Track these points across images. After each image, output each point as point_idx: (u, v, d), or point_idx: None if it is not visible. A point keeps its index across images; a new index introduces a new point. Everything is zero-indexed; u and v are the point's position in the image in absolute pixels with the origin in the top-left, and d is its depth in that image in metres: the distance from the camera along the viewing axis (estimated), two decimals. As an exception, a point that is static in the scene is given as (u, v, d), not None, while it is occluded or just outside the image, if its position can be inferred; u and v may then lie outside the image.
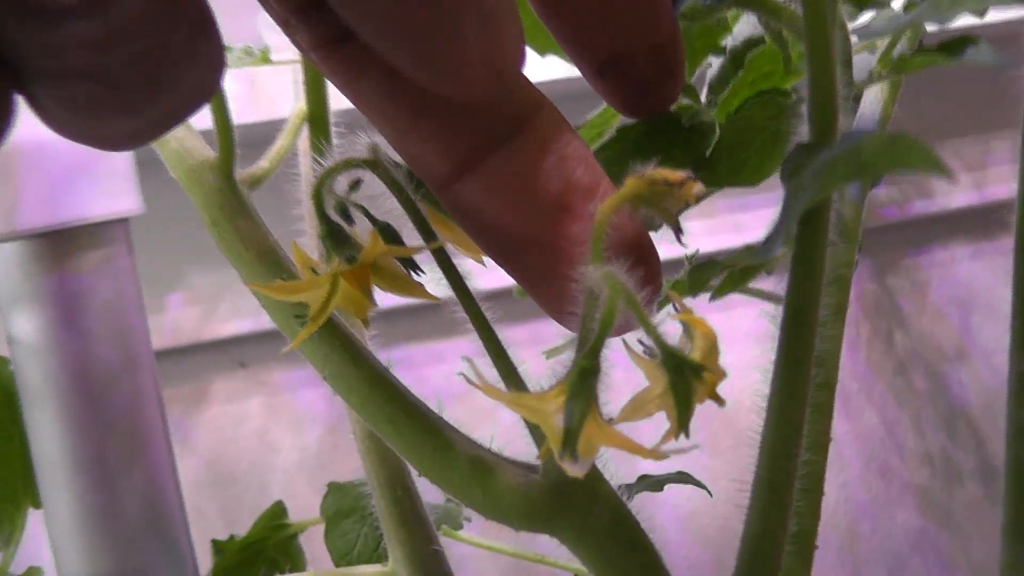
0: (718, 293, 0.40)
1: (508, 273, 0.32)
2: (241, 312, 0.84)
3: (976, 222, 1.07)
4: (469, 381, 0.29)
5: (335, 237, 0.32)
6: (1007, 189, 1.05)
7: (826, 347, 0.41)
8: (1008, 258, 1.02)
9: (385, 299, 0.34)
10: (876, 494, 1.03)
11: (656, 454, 0.27)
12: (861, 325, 1.06)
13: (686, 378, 0.29)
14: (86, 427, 0.52)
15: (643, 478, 0.49)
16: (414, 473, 0.46)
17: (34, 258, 0.51)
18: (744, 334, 0.61)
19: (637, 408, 0.30)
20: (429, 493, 0.47)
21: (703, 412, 0.30)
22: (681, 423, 0.29)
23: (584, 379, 0.27)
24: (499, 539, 0.60)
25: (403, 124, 0.30)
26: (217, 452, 0.85)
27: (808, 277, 0.34)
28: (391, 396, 0.34)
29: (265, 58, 0.45)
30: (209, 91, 0.23)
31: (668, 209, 0.29)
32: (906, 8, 0.42)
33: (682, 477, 0.47)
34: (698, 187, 0.29)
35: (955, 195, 1.06)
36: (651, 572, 0.34)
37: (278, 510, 0.55)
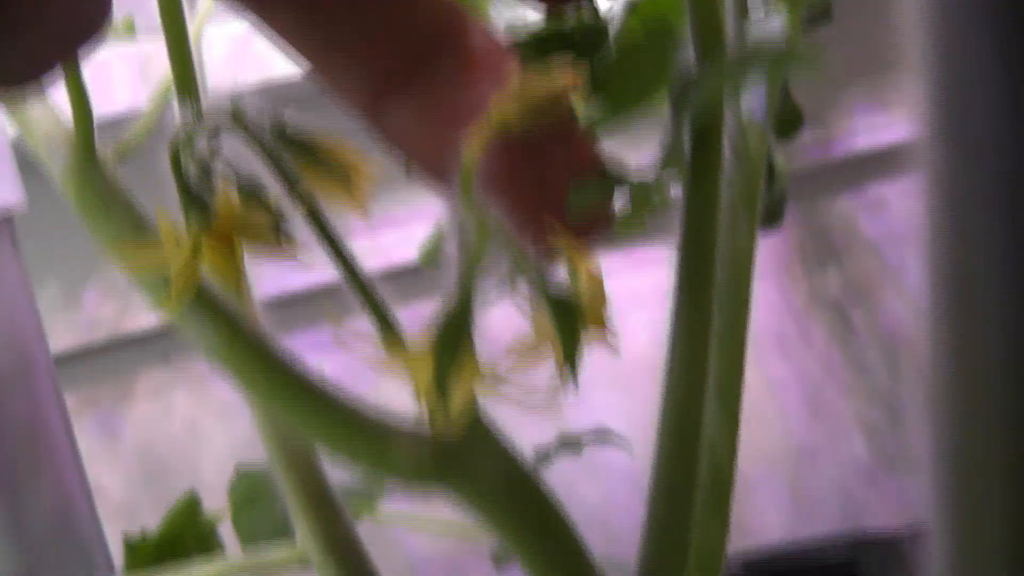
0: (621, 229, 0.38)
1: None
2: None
3: (904, 159, 1.07)
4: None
5: (193, 197, 0.30)
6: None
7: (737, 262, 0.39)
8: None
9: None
10: (822, 435, 1.03)
11: (536, 404, 0.26)
12: (795, 268, 1.06)
13: (572, 322, 0.27)
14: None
15: (562, 439, 0.47)
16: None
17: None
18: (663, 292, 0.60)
19: (522, 359, 0.29)
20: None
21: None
22: (569, 370, 0.27)
23: (453, 329, 0.26)
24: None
25: (319, 49, 0.30)
26: (147, 447, 0.83)
27: (704, 201, 0.33)
28: (262, 358, 0.32)
29: (129, 27, 0.43)
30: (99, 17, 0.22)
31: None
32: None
33: (600, 435, 0.46)
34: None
35: (882, 132, 1.05)
36: (555, 533, 0.32)
37: (191, 502, 0.53)
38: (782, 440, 1.03)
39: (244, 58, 0.75)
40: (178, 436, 0.83)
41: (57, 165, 0.36)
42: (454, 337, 0.25)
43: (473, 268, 0.25)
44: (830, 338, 1.08)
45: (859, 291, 1.08)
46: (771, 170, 0.58)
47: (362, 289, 0.29)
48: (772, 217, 0.60)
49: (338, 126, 0.33)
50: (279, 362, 0.32)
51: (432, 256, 0.45)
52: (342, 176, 0.32)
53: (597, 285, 0.28)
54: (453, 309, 0.26)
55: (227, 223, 0.30)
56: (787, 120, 0.55)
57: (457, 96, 0.30)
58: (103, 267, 0.82)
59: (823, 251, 1.07)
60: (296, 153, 0.32)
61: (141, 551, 0.51)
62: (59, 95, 0.37)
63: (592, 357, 0.28)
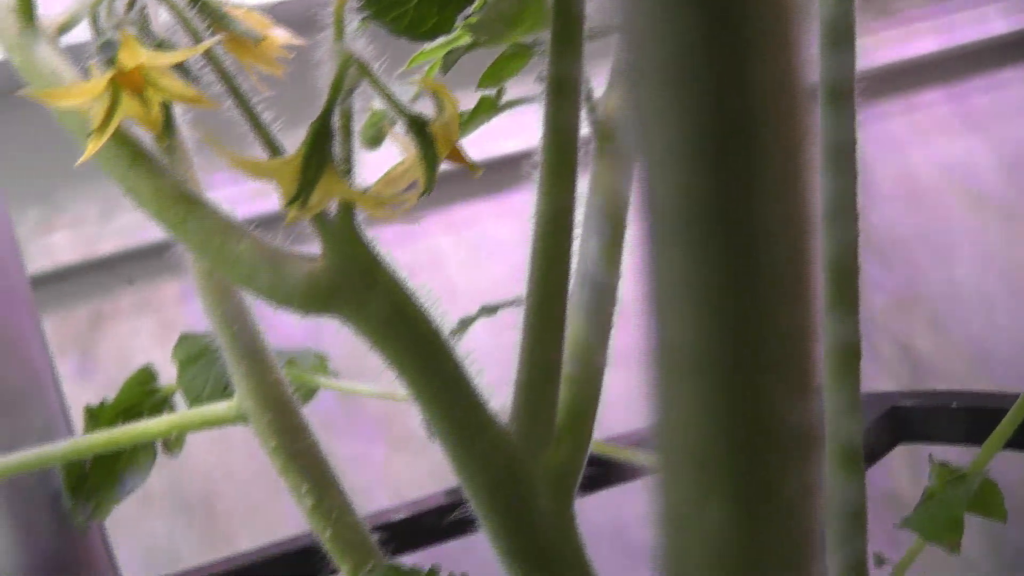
0: (484, 80, 0.42)
1: None
2: (125, 229, 0.86)
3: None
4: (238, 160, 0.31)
5: (107, 47, 0.34)
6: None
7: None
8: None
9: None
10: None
11: (377, 202, 0.30)
12: None
13: (429, 139, 0.31)
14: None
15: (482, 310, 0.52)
16: (254, 312, 0.48)
17: None
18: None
19: (391, 181, 0.33)
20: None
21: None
22: (427, 181, 0.32)
23: (317, 135, 0.30)
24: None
25: None
26: (117, 368, 0.87)
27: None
28: (181, 201, 0.36)
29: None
30: None
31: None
32: None
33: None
34: None
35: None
36: (432, 355, 0.36)
37: (146, 375, 0.57)
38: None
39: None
40: (144, 356, 0.88)
41: (5, 39, 0.40)
42: (318, 144, 0.30)
43: (337, 87, 0.30)
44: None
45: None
46: None
47: (256, 122, 0.34)
48: None
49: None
50: (188, 197, 0.36)
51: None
52: (250, 36, 0.37)
53: (453, 108, 0.32)
54: (319, 124, 0.30)
55: (136, 69, 0.34)
56: None
57: None
58: (69, 195, 0.86)
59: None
60: (207, 12, 0.36)
61: (101, 416, 0.55)
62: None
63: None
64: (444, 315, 0.37)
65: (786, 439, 0.14)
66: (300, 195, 0.29)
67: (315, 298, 0.35)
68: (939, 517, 0.42)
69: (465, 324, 0.50)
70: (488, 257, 0.94)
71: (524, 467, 0.37)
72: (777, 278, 0.14)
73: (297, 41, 0.39)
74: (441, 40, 0.39)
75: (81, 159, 0.36)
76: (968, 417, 0.56)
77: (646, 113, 0.14)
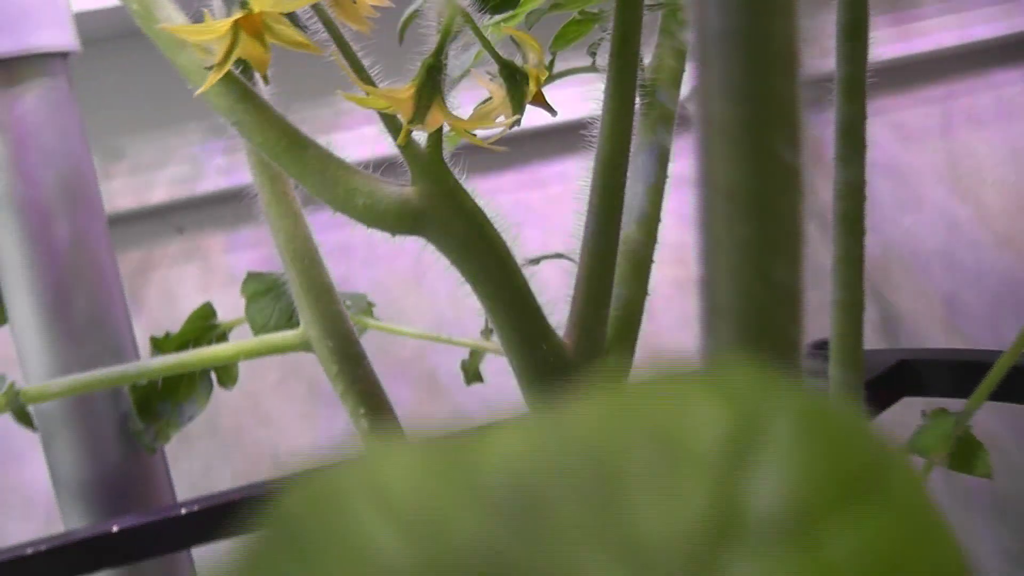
0: (556, 42, 0.47)
1: None
2: (177, 180, 0.91)
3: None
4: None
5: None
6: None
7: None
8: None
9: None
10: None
11: (484, 123, 0.35)
12: None
13: (517, 80, 0.36)
14: (40, 235, 0.59)
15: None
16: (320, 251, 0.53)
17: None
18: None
19: (483, 115, 0.38)
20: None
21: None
22: (517, 107, 0.37)
23: (430, 73, 0.35)
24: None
25: None
26: (162, 310, 0.92)
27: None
28: (286, 133, 0.41)
29: None
30: None
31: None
32: None
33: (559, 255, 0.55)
34: None
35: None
36: (505, 272, 0.41)
37: (207, 311, 0.62)
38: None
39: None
40: (189, 300, 0.93)
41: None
42: (432, 79, 0.35)
43: (445, 33, 0.35)
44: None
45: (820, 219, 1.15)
46: None
47: (356, 64, 0.39)
48: None
49: None
50: (290, 130, 0.41)
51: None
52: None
53: (539, 54, 0.37)
54: (432, 60, 0.35)
55: (258, 14, 0.39)
56: None
57: None
58: (127, 146, 0.91)
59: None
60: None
61: (165, 345, 0.60)
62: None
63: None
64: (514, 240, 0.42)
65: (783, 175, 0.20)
66: (417, 117, 0.34)
67: (405, 219, 0.40)
68: (930, 436, 0.48)
69: (533, 262, 0.56)
70: (518, 223, 0.99)
71: (578, 372, 0.42)
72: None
73: (384, 3, 0.43)
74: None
75: (200, 89, 0.41)
76: (966, 372, 0.61)
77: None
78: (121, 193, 0.89)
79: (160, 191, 0.91)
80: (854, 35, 0.41)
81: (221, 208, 0.92)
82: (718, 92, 0.20)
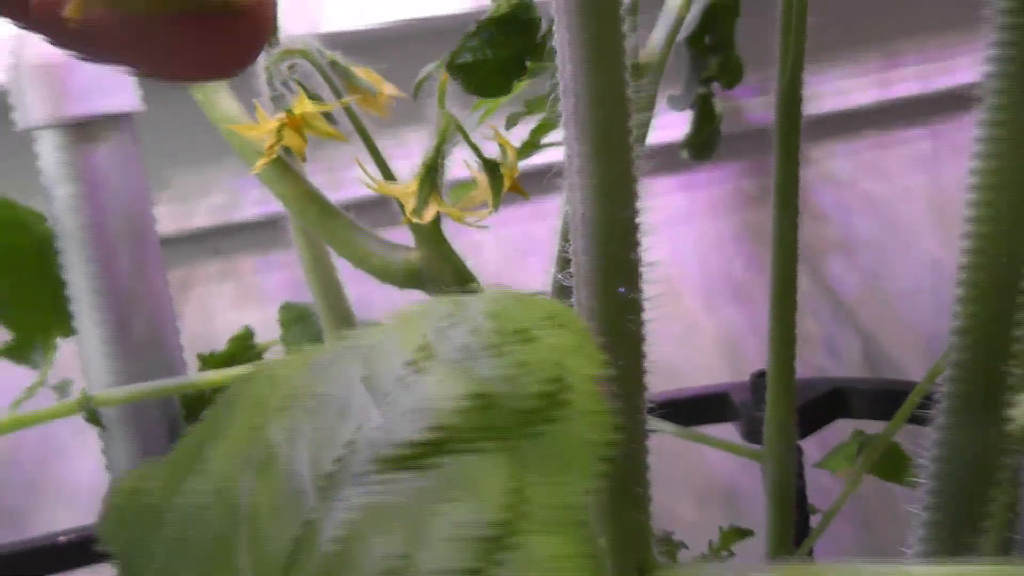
0: (535, 134, 0.58)
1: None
2: (215, 208, 1.02)
3: (846, 123, 1.23)
4: (367, 177, 0.47)
5: (279, 99, 0.50)
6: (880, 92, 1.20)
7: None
8: (854, 159, 1.21)
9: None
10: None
11: (463, 216, 0.46)
12: (747, 223, 1.22)
13: (496, 175, 0.48)
14: (108, 266, 0.70)
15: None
16: (345, 290, 0.65)
17: (68, 140, 0.69)
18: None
19: (469, 200, 0.49)
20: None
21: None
22: (494, 202, 0.48)
23: (429, 171, 0.46)
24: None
25: None
26: (200, 326, 1.04)
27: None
28: (317, 204, 0.52)
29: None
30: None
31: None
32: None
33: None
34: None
35: (824, 100, 1.20)
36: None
37: (247, 333, 0.74)
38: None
39: (300, 12, 0.96)
40: (226, 315, 1.04)
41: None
42: (431, 176, 0.46)
43: (442, 138, 0.46)
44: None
45: (808, 256, 1.24)
46: (710, 110, 0.76)
47: (376, 155, 0.50)
48: (704, 150, 0.78)
49: (371, 63, 0.53)
50: (323, 202, 0.52)
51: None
52: (370, 88, 0.53)
53: (513, 153, 0.48)
54: (431, 161, 0.46)
55: (301, 112, 0.50)
56: (730, 71, 0.74)
57: None
58: (172, 176, 1.02)
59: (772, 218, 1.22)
60: (343, 76, 0.52)
61: (210, 362, 0.71)
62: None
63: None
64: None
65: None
66: (417, 211, 0.45)
67: (410, 277, 0.51)
68: (839, 455, 0.59)
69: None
70: (524, 252, 1.10)
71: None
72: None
73: (401, 94, 0.55)
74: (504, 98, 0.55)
75: (253, 169, 0.52)
76: (889, 398, 0.72)
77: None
78: (165, 218, 1.01)
79: (200, 218, 1.02)
80: (791, 95, 0.52)
81: (255, 234, 1.03)
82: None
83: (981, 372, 0.33)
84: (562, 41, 0.30)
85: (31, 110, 0.69)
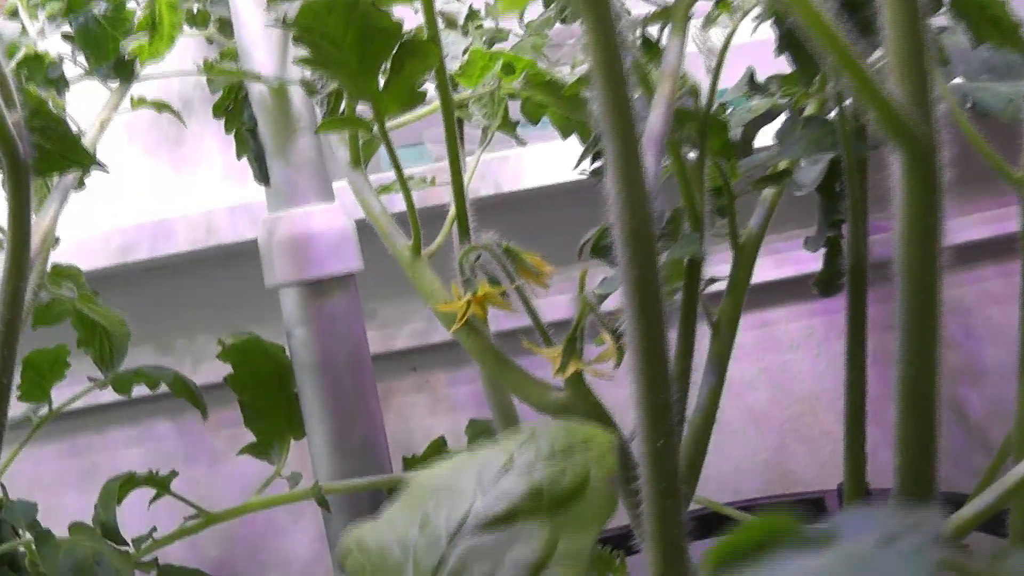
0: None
1: None
2: (414, 332, 1.24)
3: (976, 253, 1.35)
4: (530, 345, 0.67)
5: (468, 283, 0.71)
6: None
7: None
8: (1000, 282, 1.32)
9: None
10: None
11: (595, 371, 0.65)
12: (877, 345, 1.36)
13: (621, 342, 0.67)
14: (332, 387, 0.92)
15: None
16: (515, 409, 0.84)
17: (304, 295, 0.91)
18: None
19: (600, 360, 0.68)
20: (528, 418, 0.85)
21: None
22: (618, 362, 0.67)
23: (570, 342, 0.65)
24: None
25: None
26: (401, 431, 1.25)
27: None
28: (495, 356, 0.72)
29: (433, 182, 0.85)
30: None
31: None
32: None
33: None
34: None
35: (950, 234, 1.32)
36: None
37: (441, 442, 0.94)
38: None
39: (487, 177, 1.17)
40: (421, 423, 1.25)
41: (402, 261, 0.77)
42: (572, 345, 0.65)
43: (581, 317, 0.65)
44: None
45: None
46: (838, 249, 0.89)
47: (538, 323, 0.69)
48: (831, 287, 0.92)
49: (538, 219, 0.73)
50: (499, 354, 0.72)
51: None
52: (534, 270, 0.73)
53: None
54: (571, 334, 0.65)
55: (483, 293, 0.70)
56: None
57: None
58: (378, 309, 1.24)
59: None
60: (512, 259, 0.72)
61: (412, 462, 0.92)
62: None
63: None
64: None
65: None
66: (562, 368, 0.65)
67: (559, 410, 0.70)
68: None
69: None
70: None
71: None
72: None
73: (554, 272, 0.74)
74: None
75: (451, 331, 0.72)
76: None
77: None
78: (372, 341, 1.23)
79: (401, 340, 1.24)
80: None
81: (446, 353, 1.24)
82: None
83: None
84: (623, 289, 0.49)
85: (279, 272, 0.91)
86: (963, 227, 1.33)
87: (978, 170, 1.31)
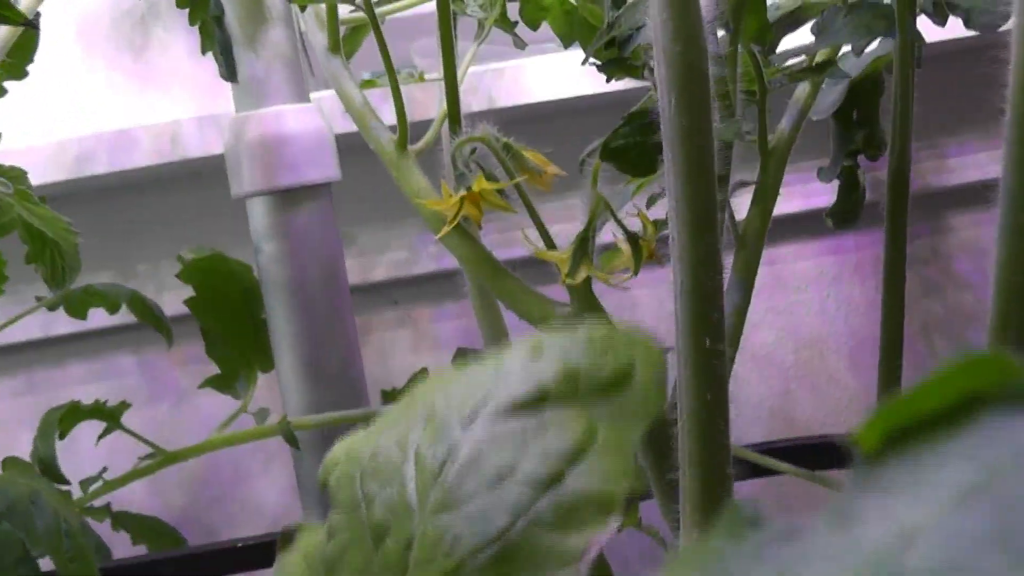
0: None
1: None
2: (394, 263, 1.14)
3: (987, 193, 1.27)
4: (528, 242, 0.57)
5: (461, 178, 0.61)
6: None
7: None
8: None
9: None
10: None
11: (613, 280, 0.56)
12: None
13: (638, 245, 0.57)
14: (305, 310, 0.82)
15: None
16: (511, 336, 0.75)
17: (275, 206, 0.82)
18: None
19: (615, 266, 0.59)
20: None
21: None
22: (636, 269, 0.57)
23: (582, 242, 0.56)
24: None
25: None
26: (380, 370, 1.15)
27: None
28: (491, 265, 0.63)
29: (421, 78, 0.75)
30: None
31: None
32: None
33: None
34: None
35: (968, 171, 1.24)
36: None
37: (424, 372, 0.85)
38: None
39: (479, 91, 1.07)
40: (403, 360, 1.16)
41: (388, 158, 0.67)
42: (583, 245, 0.56)
43: (593, 215, 0.56)
44: (918, 360, 1.27)
45: (949, 324, 1.29)
46: (855, 181, 0.83)
47: (540, 225, 0.60)
48: (848, 219, 0.85)
49: (535, 139, 0.64)
50: (495, 263, 0.63)
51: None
52: (536, 168, 0.63)
53: (652, 228, 0.58)
54: (584, 233, 0.56)
55: (479, 188, 0.60)
56: (874, 144, 0.82)
57: None
58: (357, 235, 1.14)
59: (916, 278, 1.26)
60: (513, 157, 0.63)
61: (392, 396, 0.83)
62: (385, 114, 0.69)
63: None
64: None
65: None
66: (571, 273, 0.56)
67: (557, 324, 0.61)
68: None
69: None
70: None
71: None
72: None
73: (562, 173, 0.65)
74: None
75: (438, 236, 0.63)
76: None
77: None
78: (350, 271, 1.13)
79: (381, 270, 1.14)
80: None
81: (431, 286, 1.15)
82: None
83: None
84: (666, 155, 0.40)
85: (247, 180, 0.82)
86: (977, 165, 1.24)
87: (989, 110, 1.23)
